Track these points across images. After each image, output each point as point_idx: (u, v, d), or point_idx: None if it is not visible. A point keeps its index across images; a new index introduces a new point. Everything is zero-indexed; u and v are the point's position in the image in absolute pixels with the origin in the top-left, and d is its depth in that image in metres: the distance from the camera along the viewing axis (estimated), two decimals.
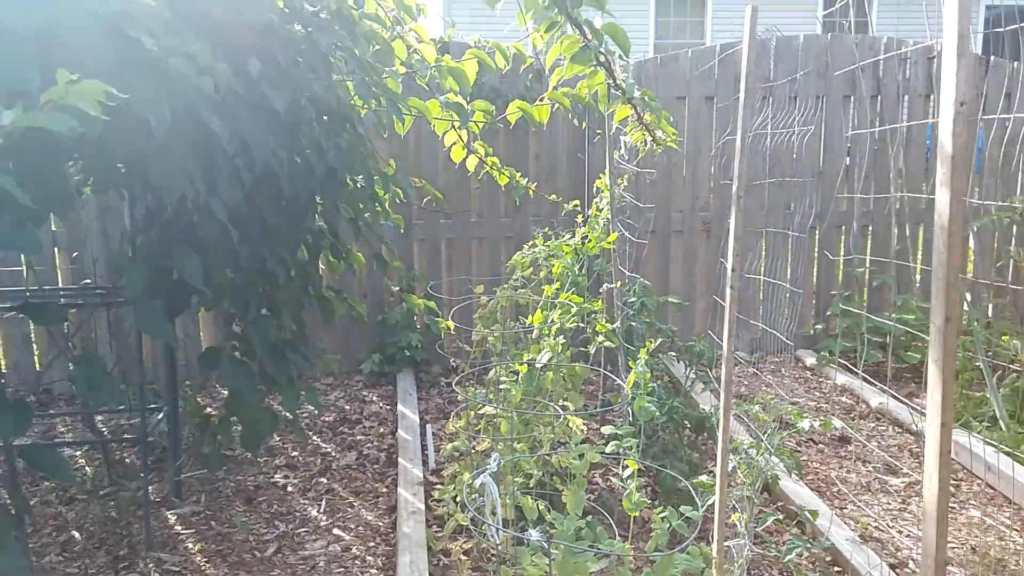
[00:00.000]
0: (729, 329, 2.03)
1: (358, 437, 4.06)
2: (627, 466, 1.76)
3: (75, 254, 4.37)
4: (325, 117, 2.17)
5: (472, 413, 3.45)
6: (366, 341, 4.93)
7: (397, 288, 4.93)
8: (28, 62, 1.26)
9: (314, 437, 4.04)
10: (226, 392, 3.98)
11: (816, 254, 5.19)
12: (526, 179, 3.42)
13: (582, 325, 2.93)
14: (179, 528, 3.08)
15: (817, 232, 5.15)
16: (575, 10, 1.92)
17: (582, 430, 2.55)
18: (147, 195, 2.11)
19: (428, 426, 3.95)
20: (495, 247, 5.03)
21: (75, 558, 2.82)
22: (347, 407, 4.46)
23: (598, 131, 4.18)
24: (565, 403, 2.90)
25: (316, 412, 4.28)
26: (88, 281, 4.18)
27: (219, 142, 1.66)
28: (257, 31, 1.76)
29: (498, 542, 1.64)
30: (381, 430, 4.15)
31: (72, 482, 3.14)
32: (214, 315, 4.35)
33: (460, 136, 3.11)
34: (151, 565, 2.82)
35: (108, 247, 4.39)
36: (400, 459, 3.65)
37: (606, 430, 2.00)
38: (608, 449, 1.92)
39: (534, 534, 1.53)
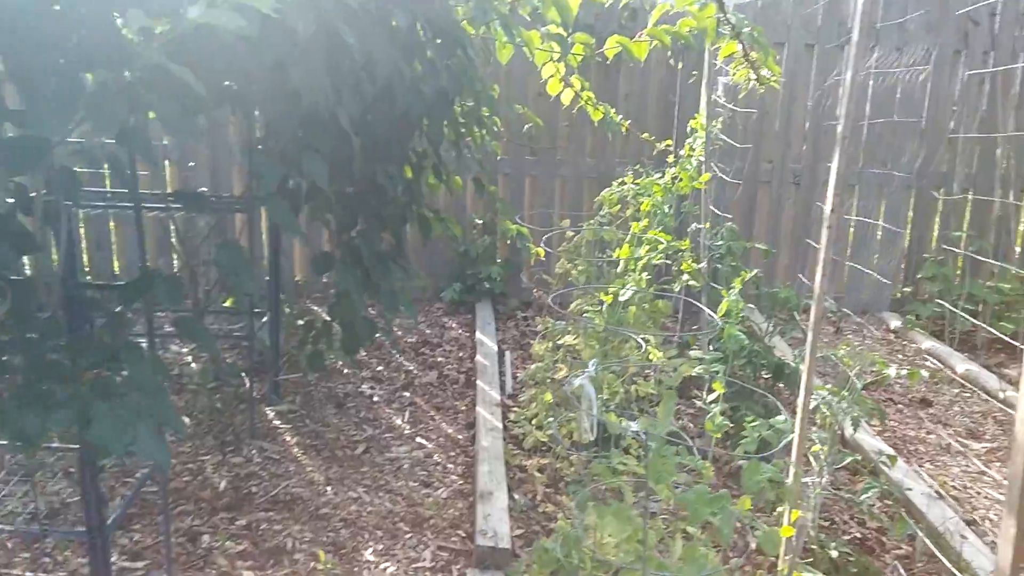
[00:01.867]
0: (823, 268, 2.07)
1: (438, 359, 4.24)
2: (713, 389, 1.84)
3: (191, 164, 4.62)
4: (439, 40, 2.26)
5: (551, 343, 3.57)
6: (447, 270, 5.08)
7: (480, 221, 5.05)
8: None
9: (397, 356, 4.24)
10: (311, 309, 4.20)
11: (912, 214, 5.09)
12: (619, 116, 3.46)
13: (668, 263, 3.00)
14: (277, 423, 3.32)
15: (913, 192, 5.04)
16: None
17: (663, 361, 2.64)
18: (268, 107, 2.24)
19: (507, 353, 4.10)
20: (578, 186, 5.09)
21: (187, 440, 3.09)
22: (428, 331, 4.64)
23: (693, 72, 4.16)
24: (645, 338, 2.99)
25: (411, 323, 4.49)
26: (204, 189, 4.44)
27: (349, 54, 1.77)
28: None
29: (592, 436, 1.75)
30: (460, 354, 4.32)
31: (215, 354, 3.36)
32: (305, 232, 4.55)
33: (558, 69, 3.17)
34: (254, 451, 3.06)
35: (214, 160, 4.62)
36: (479, 382, 3.81)
37: (694, 354, 2.08)
38: (696, 371, 2.01)
39: (634, 425, 1.64)
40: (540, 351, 3.56)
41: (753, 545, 2.49)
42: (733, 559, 2.20)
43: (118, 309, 1.80)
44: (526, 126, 3.08)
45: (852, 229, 4.93)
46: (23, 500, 2.56)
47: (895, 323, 4.99)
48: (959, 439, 3.57)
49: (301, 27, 1.54)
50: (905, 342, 4.81)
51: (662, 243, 2.91)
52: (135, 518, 2.61)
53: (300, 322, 2.96)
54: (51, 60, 1.34)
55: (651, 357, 2.74)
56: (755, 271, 2.92)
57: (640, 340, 2.78)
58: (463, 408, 3.65)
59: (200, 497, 2.74)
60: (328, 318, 2.65)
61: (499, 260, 5.07)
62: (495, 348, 4.28)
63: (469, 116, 2.53)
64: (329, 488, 2.87)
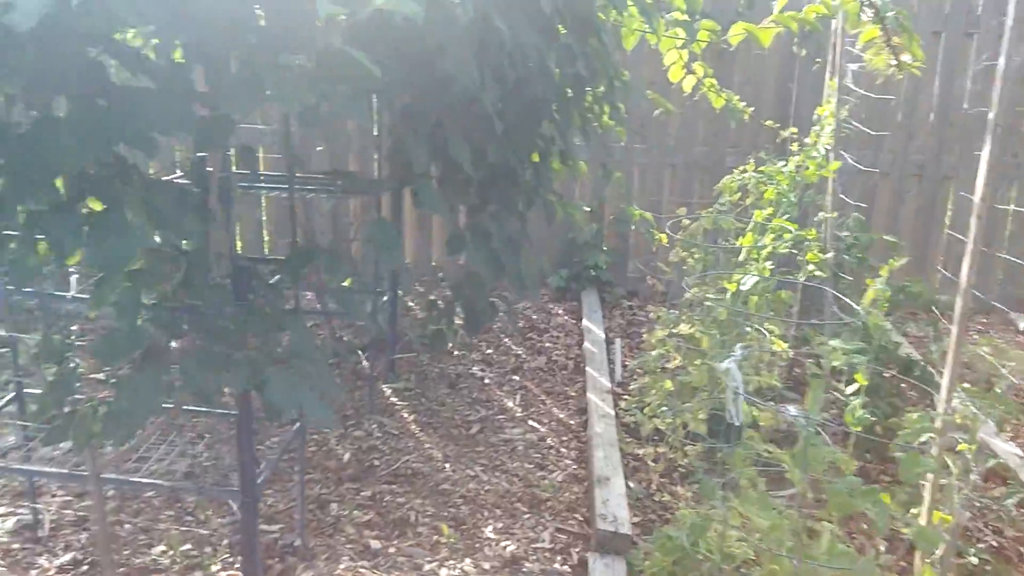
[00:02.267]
0: (971, 259, 2.00)
1: (546, 344, 4.28)
2: (855, 380, 1.82)
3: (318, 148, 4.80)
4: (575, 26, 2.27)
5: (664, 332, 3.55)
6: (554, 256, 5.11)
7: (587, 208, 5.05)
8: None
9: (505, 340, 4.29)
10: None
11: None
12: (744, 106, 3.40)
13: (795, 252, 2.94)
14: (394, 400, 3.43)
15: None
16: None
17: (788, 353, 2.60)
18: (419, 92, 2.31)
19: (617, 341, 4.10)
20: (689, 175, 5.03)
21: None
22: (535, 316, 4.68)
23: (817, 59, 4.05)
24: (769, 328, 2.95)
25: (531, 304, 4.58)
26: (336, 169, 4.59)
27: (498, 39, 1.80)
28: None
29: (739, 422, 1.74)
30: (567, 341, 4.35)
31: (370, 324, 3.47)
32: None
33: (680, 56, 3.14)
34: (374, 426, 3.17)
35: (331, 146, 4.78)
36: (588, 368, 3.83)
37: (834, 342, 2.05)
38: (836, 363, 1.98)
39: (792, 409, 1.63)
40: (653, 340, 3.55)
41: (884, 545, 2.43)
42: (883, 555, 2.15)
43: (273, 281, 1.91)
44: (656, 111, 3.06)
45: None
46: (161, 461, 2.73)
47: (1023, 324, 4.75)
48: None
49: (460, 12, 1.59)
50: None
51: (789, 232, 2.85)
52: (267, 484, 2.75)
53: (420, 304, 3.04)
54: (241, 42, 1.43)
55: (775, 347, 2.70)
56: (904, 258, 2.83)
57: (764, 330, 2.74)
58: (573, 394, 3.68)
59: (327, 467, 2.86)
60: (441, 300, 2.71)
61: (605, 248, 5.07)
62: (602, 336, 4.29)
63: (598, 102, 2.54)
64: (447, 465, 2.94)
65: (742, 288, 2.87)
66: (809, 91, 4.55)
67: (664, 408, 3.13)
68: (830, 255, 3.02)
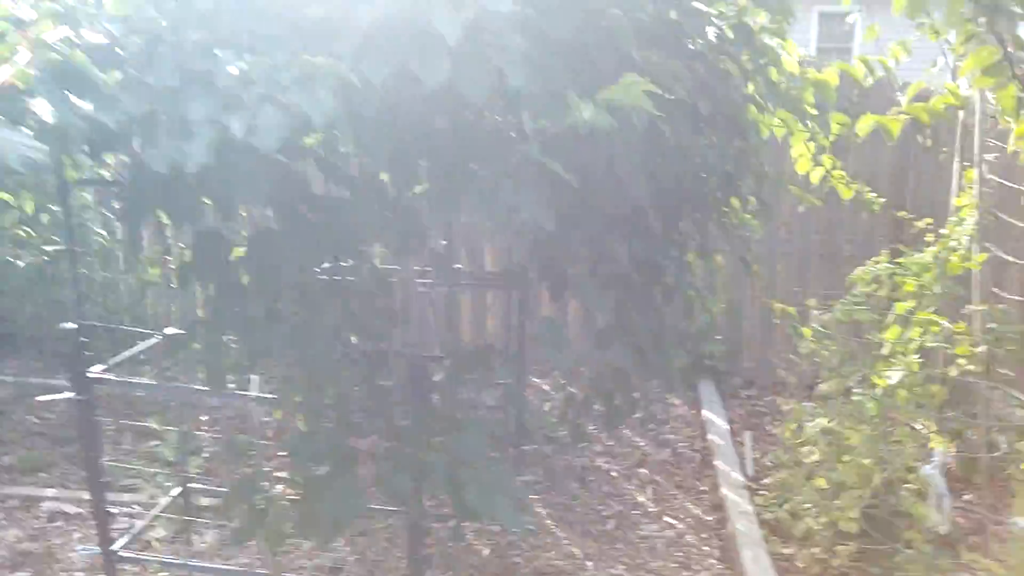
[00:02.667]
0: None
1: (668, 436, 4.21)
2: None
3: (443, 242, 4.95)
4: (726, 125, 2.33)
5: (795, 425, 3.46)
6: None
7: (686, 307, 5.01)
8: (561, 71, 1.52)
9: (625, 431, 4.24)
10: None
11: None
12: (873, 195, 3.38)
13: (946, 347, 2.84)
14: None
15: None
16: (1010, 24, 1.92)
17: (949, 450, 2.49)
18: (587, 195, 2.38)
19: (747, 433, 4.01)
20: (803, 266, 4.96)
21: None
22: (651, 406, 4.62)
23: (943, 148, 4.00)
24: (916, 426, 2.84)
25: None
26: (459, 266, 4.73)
27: (662, 144, 1.87)
28: (703, 57, 1.97)
29: (945, 529, 1.66)
30: (689, 432, 4.26)
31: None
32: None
33: (808, 148, 3.15)
34: None
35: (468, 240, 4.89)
36: (716, 461, 3.74)
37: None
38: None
39: (1020, 521, 1.56)
40: (788, 433, 3.45)
41: None
42: None
43: (438, 379, 1.96)
44: (800, 206, 3.08)
45: None
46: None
47: None
48: None
49: (635, 120, 1.66)
50: None
51: (938, 325, 2.77)
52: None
53: (561, 396, 3.05)
54: (437, 153, 1.52)
55: (932, 444, 2.59)
56: None
57: (919, 426, 2.64)
58: (704, 488, 3.59)
59: (469, 564, 2.85)
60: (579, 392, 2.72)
61: (720, 337, 5.00)
62: (726, 426, 4.20)
63: (738, 196, 2.57)
64: (589, 563, 2.90)
65: (890, 382, 2.78)
66: (929, 180, 4.48)
67: (808, 505, 3.01)
68: (982, 348, 2.91)
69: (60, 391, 3.72)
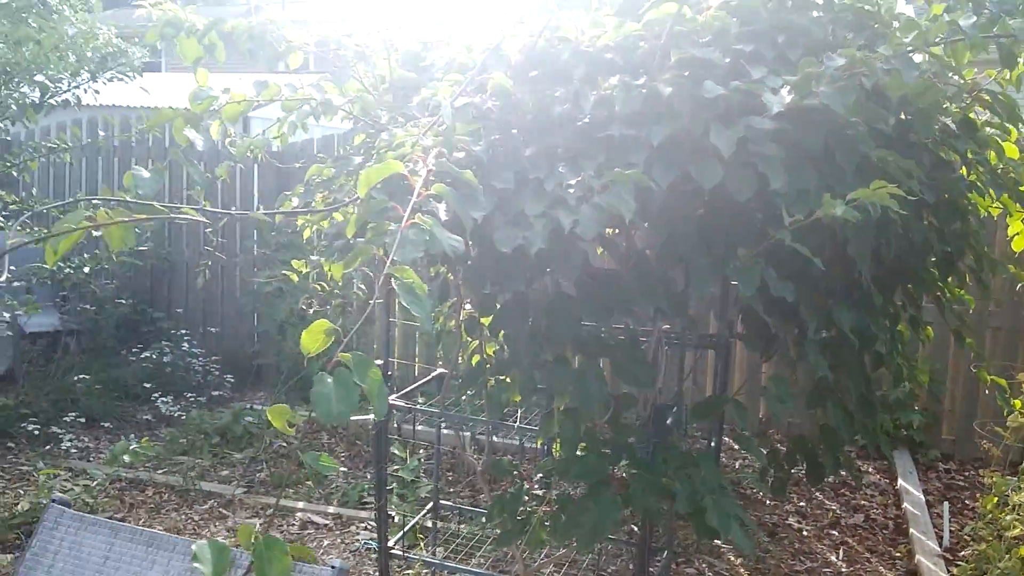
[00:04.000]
0: None
1: (861, 502, 4.26)
2: None
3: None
4: (947, 208, 2.51)
5: (996, 499, 3.45)
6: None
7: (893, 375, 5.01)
8: (811, 173, 1.82)
9: (816, 494, 4.33)
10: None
11: None
12: None
13: None
14: (716, 542, 3.62)
15: None
16: None
17: None
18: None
19: (946, 504, 4.00)
20: (1012, 340, 4.86)
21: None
22: (843, 472, 4.66)
23: None
24: None
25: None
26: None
27: (889, 227, 2.10)
28: (923, 145, 2.20)
29: None
30: (883, 500, 4.29)
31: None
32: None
33: (1022, 226, 3.22)
34: (703, 565, 3.38)
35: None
36: (912, 530, 3.77)
37: None
38: None
39: None
40: (989, 506, 3.45)
41: None
42: None
43: (670, 421, 2.27)
44: (1019, 284, 3.16)
45: None
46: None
47: None
48: None
49: (871, 211, 1.92)
50: None
51: None
52: None
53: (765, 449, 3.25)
54: (704, 238, 1.86)
55: None
56: None
57: None
58: (898, 555, 3.64)
59: None
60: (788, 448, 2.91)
61: (917, 407, 4.96)
62: (922, 498, 4.19)
63: (955, 272, 2.72)
64: None
65: None
66: None
67: None
68: None
69: (310, 420, 4.36)
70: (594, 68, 2.01)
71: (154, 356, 5.40)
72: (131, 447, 3.77)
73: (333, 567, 1.54)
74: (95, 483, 4.01)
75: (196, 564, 1.03)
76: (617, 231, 2.12)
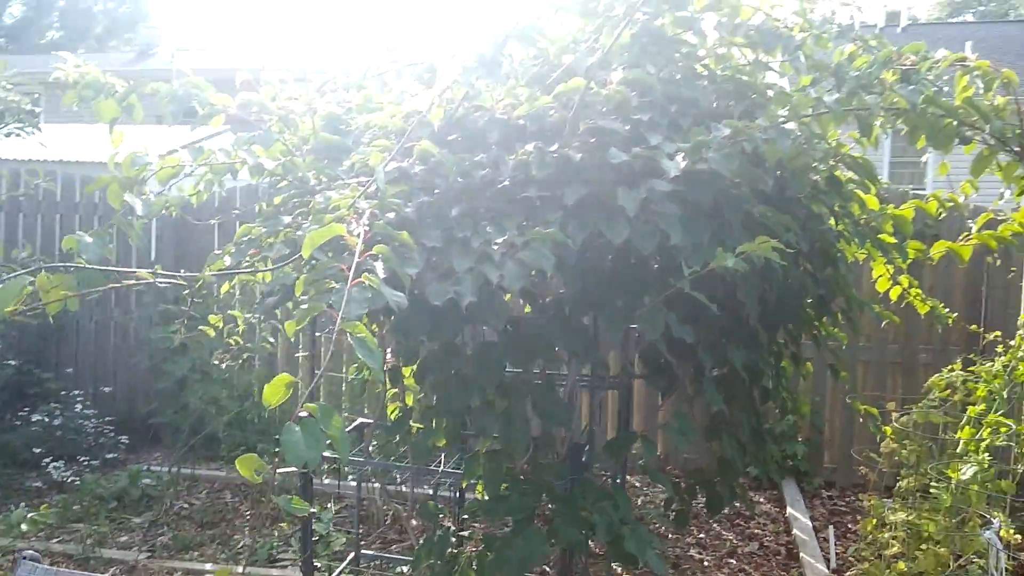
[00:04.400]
0: None
1: (755, 531, 4.54)
2: None
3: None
4: (816, 258, 2.82)
5: (875, 520, 3.78)
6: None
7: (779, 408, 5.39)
8: (704, 228, 2.04)
9: (714, 525, 4.59)
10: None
11: None
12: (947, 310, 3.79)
13: (1010, 444, 3.20)
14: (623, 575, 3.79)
15: None
16: None
17: (1015, 540, 2.82)
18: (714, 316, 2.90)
19: (831, 528, 4.31)
20: (881, 372, 5.32)
21: None
22: (737, 504, 4.93)
23: (1012, 268, 4.40)
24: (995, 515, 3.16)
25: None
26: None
27: (773, 276, 2.36)
28: (799, 200, 2.49)
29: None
30: (774, 528, 4.58)
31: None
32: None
33: (887, 269, 3.61)
34: None
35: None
36: (802, 554, 4.06)
37: None
38: None
39: None
40: (869, 527, 3.77)
41: None
42: None
43: (584, 458, 2.43)
44: (883, 322, 3.51)
45: None
46: None
47: None
48: None
49: (756, 261, 2.16)
50: None
51: (1008, 426, 3.14)
52: None
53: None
54: (614, 288, 2.05)
55: (1002, 534, 2.92)
56: None
57: (990, 516, 2.98)
58: None
59: None
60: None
61: (800, 439, 5.34)
62: (809, 523, 4.51)
63: (828, 314, 3.03)
64: None
65: (963, 477, 3.14)
66: (1000, 295, 4.86)
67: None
68: None
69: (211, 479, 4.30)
70: (509, 134, 2.20)
71: (44, 419, 5.17)
72: (28, 515, 3.61)
73: None
74: None
75: None
76: (536, 283, 2.30)
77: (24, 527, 3.60)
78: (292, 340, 5.34)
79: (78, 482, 4.79)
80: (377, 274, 1.52)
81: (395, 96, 2.72)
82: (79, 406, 5.32)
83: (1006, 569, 2.96)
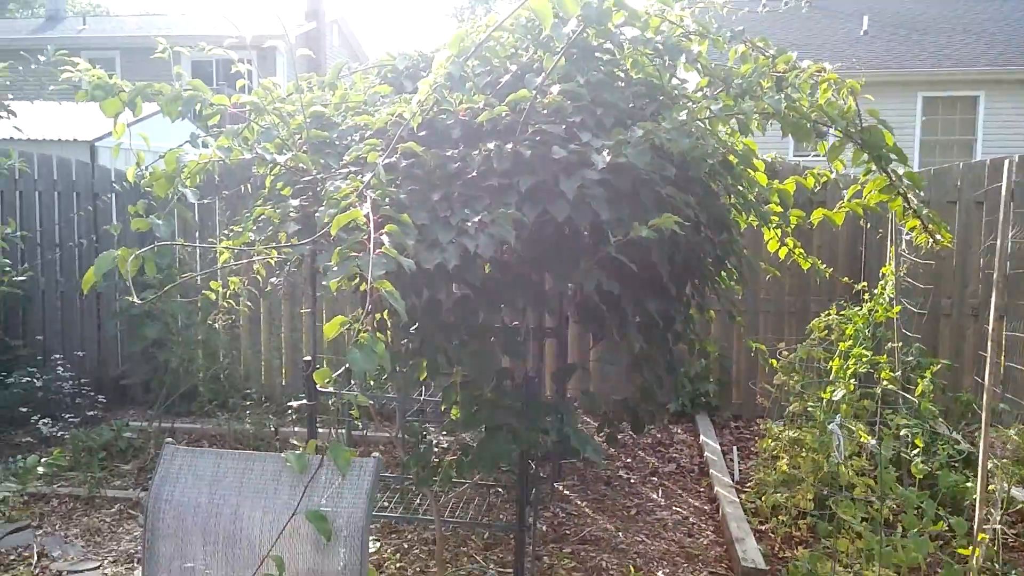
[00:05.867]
0: (991, 369, 3.05)
1: (673, 455, 5.32)
2: (915, 445, 2.82)
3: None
4: (717, 225, 3.51)
5: (770, 440, 4.58)
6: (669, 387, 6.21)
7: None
8: (625, 207, 2.69)
9: (640, 452, 5.35)
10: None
11: None
12: (825, 266, 4.57)
13: (871, 371, 4.00)
14: (567, 492, 4.51)
15: None
16: (887, 165, 3.13)
17: (871, 440, 3.62)
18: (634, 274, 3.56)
19: (735, 448, 5.12)
20: (779, 320, 6.15)
21: (500, 505, 4.33)
22: (659, 435, 5.73)
23: (879, 230, 5.22)
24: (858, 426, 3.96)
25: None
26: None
27: (679, 239, 3.04)
28: (698, 181, 3.16)
29: (841, 458, 2.77)
30: (690, 452, 5.38)
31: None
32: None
33: (775, 233, 4.35)
34: (557, 509, 4.25)
35: None
36: (712, 471, 4.85)
37: (897, 420, 3.08)
38: (903, 432, 2.99)
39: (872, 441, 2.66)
40: (764, 445, 4.57)
41: None
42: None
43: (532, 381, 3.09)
44: (767, 276, 4.22)
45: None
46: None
47: None
48: None
49: (665, 231, 2.83)
50: None
51: (867, 356, 3.93)
52: (499, 544, 3.83)
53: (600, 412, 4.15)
54: (559, 253, 2.69)
55: (862, 439, 3.72)
56: (943, 362, 3.86)
57: (852, 428, 3.78)
58: (702, 490, 4.69)
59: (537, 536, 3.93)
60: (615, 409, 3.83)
61: (712, 379, 6.15)
62: (718, 447, 5.31)
63: (726, 270, 3.74)
64: (620, 534, 3.98)
65: (834, 399, 3.93)
66: (874, 251, 5.71)
67: (776, 493, 4.12)
68: (898, 373, 4.07)
69: (188, 431, 4.83)
70: (469, 132, 2.80)
71: (26, 380, 5.57)
72: (41, 460, 4.09)
73: (376, 457, 2.17)
74: (8, 496, 4.27)
75: (288, 463, 1.71)
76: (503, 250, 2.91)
77: (40, 470, 4.07)
78: (270, 305, 5.89)
79: (66, 436, 5.23)
80: (388, 246, 2.12)
81: (366, 95, 3.28)
82: (60, 368, 5.72)
83: (851, 455, 3.78)
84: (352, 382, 3.42)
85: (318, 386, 3.11)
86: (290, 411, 5.81)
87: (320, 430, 4.51)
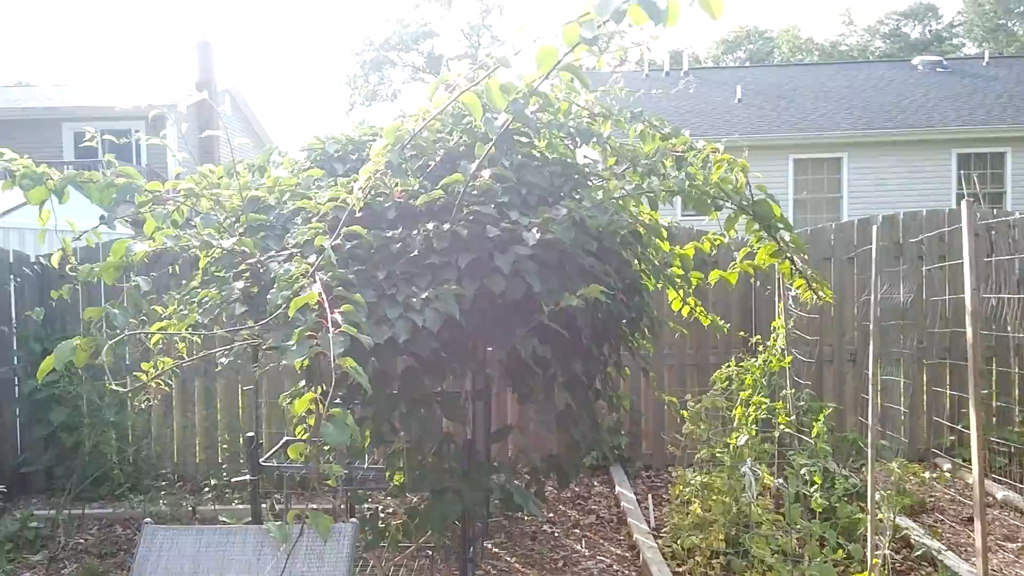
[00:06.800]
0: (873, 410, 3.45)
1: (592, 507, 5.56)
2: (813, 482, 3.16)
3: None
4: (631, 289, 3.83)
5: (681, 486, 4.89)
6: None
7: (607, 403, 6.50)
8: (555, 278, 2.97)
9: (561, 506, 5.56)
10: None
11: (948, 381, 6.40)
12: (722, 321, 4.99)
13: (769, 416, 4.39)
14: (496, 550, 4.65)
15: (948, 361, 6.37)
16: (775, 232, 3.54)
17: (773, 480, 3.96)
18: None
19: (650, 496, 5.40)
20: (682, 372, 6.55)
21: (431, 567, 4.44)
22: (578, 488, 5.97)
23: (767, 287, 5.72)
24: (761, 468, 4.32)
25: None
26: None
27: (599, 306, 3.33)
28: (614, 251, 3.48)
29: (753, 496, 3.07)
30: (608, 503, 5.63)
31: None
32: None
33: (678, 294, 4.74)
34: (489, 566, 4.39)
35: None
36: (629, 519, 5.10)
37: (797, 460, 3.43)
38: (803, 461, 3.33)
39: (779, 481, 2.96)
40: (676, 491, 4.87)
41: None
42: None
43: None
44: (676, 334, 4.58)
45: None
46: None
47: (947, 465, 6.14)
48: (998, 542, 4.70)
49: (589, 298, 3.11)
50: (956, 479, 5.94)
51: (765, 403, 4.31)
52: None
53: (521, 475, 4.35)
54: (497, 323, 2.92)
55: (766, 480, 4.06)
56: (832, 406, 4.28)
57: (756, 470, 4.13)
58: (622, 538, 4.93)
59: None
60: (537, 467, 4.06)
61: (623, 432, 6.46)
62: (634, 497, 5.59)
63: (639, 329, 4.06)
64: None
65: (739, 444, 4.28)
66: (763, 306, 6.22)
67: (691, 536, 4.41)
68: (792, 417, 4.47)
69: (99, 517, 4.72)
70: (403, 213, 3.03)
71: None
72: None
73: (353, 522, 2.28)
74: None
75: (271, 534, 1.84)
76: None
77: None
78: (183, 384, 5.82)
79: None
80: (345, 325, 2.30)
81: (300, 179, 3.46)
82: None
83: (758, 495, 4.12)
84: (289, 459, 3.52)
85: (275, 462, 3.20)
86: (207, 489, 5.73)
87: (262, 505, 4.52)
